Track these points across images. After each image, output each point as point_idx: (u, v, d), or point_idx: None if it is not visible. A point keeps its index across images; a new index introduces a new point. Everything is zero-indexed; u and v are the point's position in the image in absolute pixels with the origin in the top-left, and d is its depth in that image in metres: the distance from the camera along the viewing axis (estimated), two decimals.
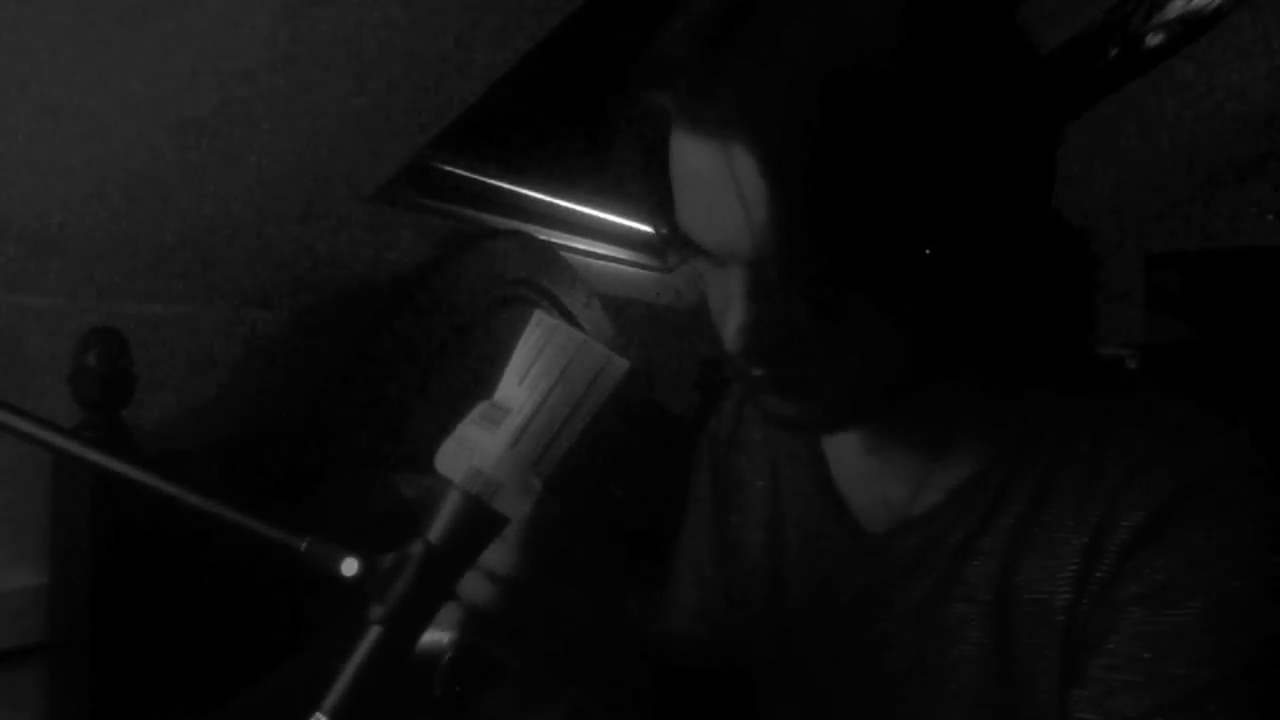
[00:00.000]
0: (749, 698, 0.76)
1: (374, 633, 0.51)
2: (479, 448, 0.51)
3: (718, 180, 0.53)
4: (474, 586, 0.57)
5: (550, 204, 1.79)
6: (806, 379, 0.58)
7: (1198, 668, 0.54)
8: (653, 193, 0.60)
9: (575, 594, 0.60)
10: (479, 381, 0.55)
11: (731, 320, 0.56)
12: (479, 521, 0.52)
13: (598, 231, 1.91)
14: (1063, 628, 0.59)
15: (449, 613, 0.58)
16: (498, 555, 0.56)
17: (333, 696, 0.49)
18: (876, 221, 0.51)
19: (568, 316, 1.65)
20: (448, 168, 1.54)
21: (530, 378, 0.52)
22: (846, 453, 0.72)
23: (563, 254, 1.68)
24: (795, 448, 0.76)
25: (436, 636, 0.57)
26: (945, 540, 0.64)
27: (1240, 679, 0.54)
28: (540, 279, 1.60)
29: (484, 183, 1.64)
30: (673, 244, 0.60)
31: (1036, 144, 0.57)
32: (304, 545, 0.52)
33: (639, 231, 1.91)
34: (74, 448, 0.57)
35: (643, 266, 2.04)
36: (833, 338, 0.56)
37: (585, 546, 0.61)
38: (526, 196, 1.73)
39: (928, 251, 0.52)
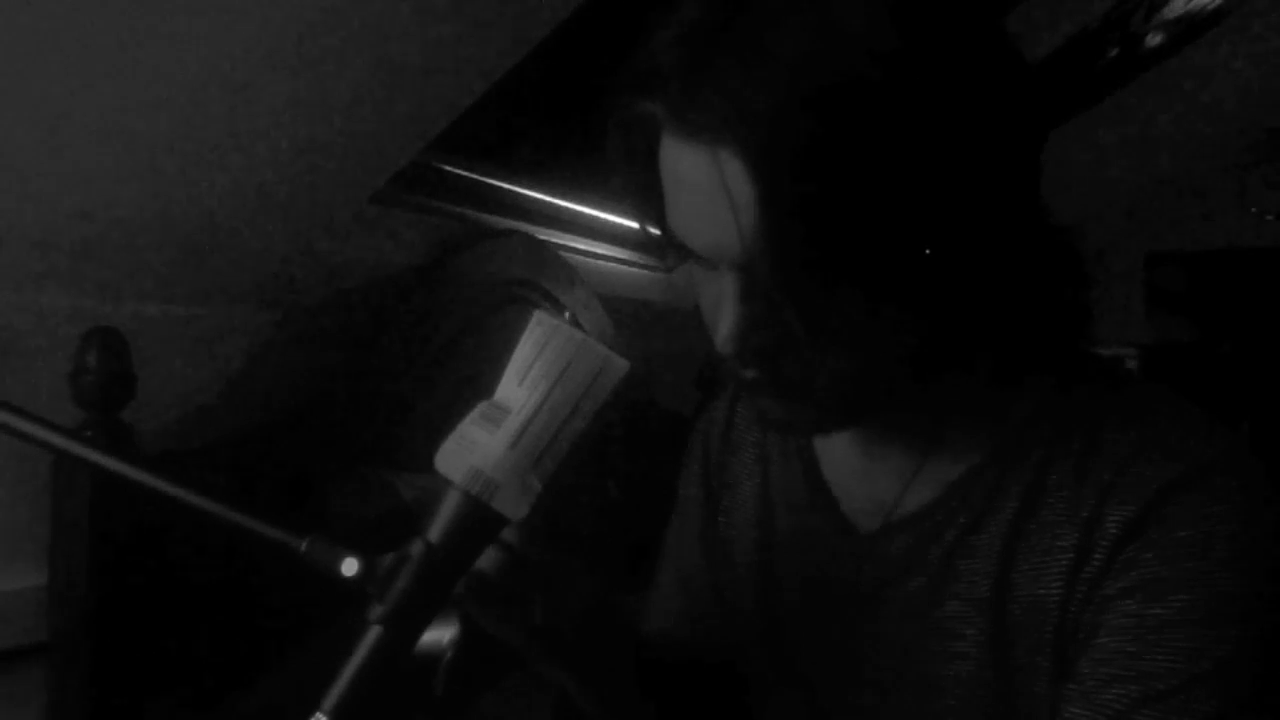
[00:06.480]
0: (740, 698, 0.76)
1: (374, 633, 0.51)
2: (479, 448, 0.51)
3: (707, 185, 0.53)
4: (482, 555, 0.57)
5: (550, 204, 1.79)
6: (799, 381, 0.59)
7: (1184, 661, 0.54)
8: (644, 197, 0.60)
9: (578, 568, 0.61)
10: (479, 381, 0.55)
11: (723, 323, 0.56)
12: (479, 521, 0.52)
13: (598, 231, 1.91)
14: (1056, 624, 0.59)
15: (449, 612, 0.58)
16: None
17: (333, 696, 0.49)
18: (864, 224, 0.51)
19: (568, 316, 1.65)
20: (448, 168, 1.54)
21: (530, 378, 0.52)
22: (838, 451, 0.72)
23: (563, 254, 1.68)
24: (786, 446, 0.76)
25: (436, 636, 0.57)
26: (939, 538, 0.65)
27: (1225, 672, 0.54)
28: (540, 279, 1.60)
29: (484, 183, 1.64)
30: (665, 246, 0.61)
31: (1022, 147, 0.57)
32: (304, 545, 0.53)
33: (639, 231, 1.90)
34: (74, 448, 0.57)
35: (643, 266, 2.04)
36: (824, 339, 0.56)
37: (589, 526, 0.62)
38: (526, 196, 1.73)
39: (916, 253, 0.53)
